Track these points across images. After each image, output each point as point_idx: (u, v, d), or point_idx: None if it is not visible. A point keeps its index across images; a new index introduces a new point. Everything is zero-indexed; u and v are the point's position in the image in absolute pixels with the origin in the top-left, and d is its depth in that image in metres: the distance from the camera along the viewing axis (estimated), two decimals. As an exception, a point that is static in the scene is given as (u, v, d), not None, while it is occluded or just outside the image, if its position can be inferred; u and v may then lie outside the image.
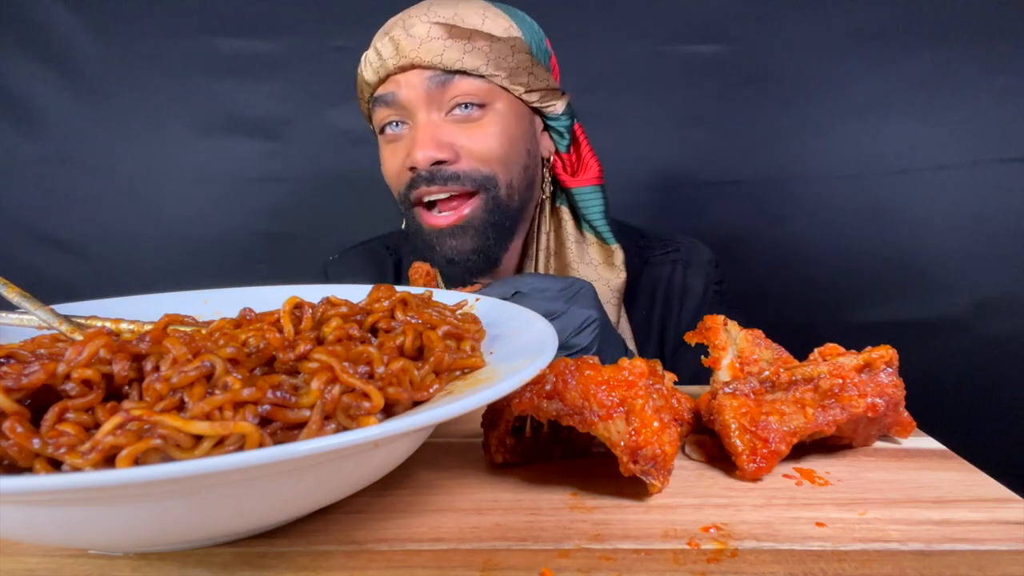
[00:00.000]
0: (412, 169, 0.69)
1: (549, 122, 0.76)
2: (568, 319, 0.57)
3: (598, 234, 0.78)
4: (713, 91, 1.21)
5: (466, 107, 0.69)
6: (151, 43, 1.21)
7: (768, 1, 1.18)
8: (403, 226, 0.82)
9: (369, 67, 0.71)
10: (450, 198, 0.70)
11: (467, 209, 0.70)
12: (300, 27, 1.21)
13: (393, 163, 0.73)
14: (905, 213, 1.19)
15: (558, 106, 0.75)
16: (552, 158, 0.79)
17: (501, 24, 0.70)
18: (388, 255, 0.88)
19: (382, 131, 0.74)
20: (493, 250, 0.72)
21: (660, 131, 1.23)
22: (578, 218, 0.79)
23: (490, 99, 0.70)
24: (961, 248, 1.18)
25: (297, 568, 0.27)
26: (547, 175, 0.79)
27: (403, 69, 0.69)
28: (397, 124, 0.72)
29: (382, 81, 0.71)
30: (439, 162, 0.68)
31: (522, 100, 0.72)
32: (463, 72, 0.68)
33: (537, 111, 0.75)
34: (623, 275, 0.76)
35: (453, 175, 0.69)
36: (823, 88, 1.19)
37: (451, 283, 0.80)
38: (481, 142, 0.69)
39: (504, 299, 0.52)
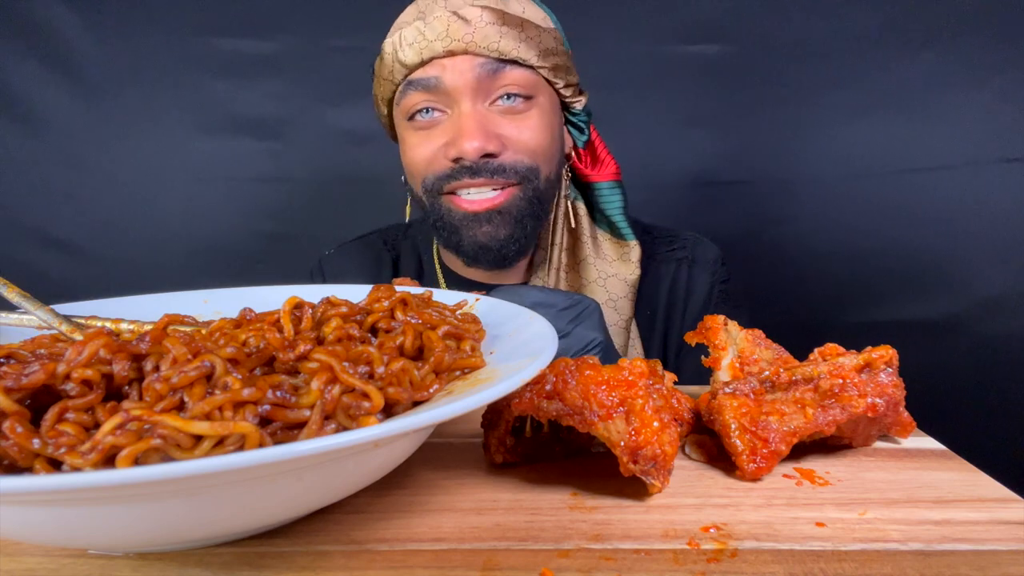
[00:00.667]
0: (456, 160, 0.67)
1: (571, 117, 0.76)
2: (571, 341, 0.56)
3: (616, 230, 0.77)
4: (714, 91, 1.21)
5: (511, 98, 0.67)
6: (151, 43, 1.21)
7: (768, 1, 1.18)
8: (407, 218, 0.81)
9: (409, 47, 0.66)
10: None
11: (507, 197, 0.68)
12: (300, 27, 1.21)
13: (424, 151, 0.69)
14: (905, 213, 1.19)
15: (582, 101, 0.75)
16: (571, 154, 0.78)
17: (538, 14, 0.69)
18: (386, 250, 0.86)
19: (411, 117, 0.70)
20: (527, 240, 0.71)
21: (660, 131, 1.23)
22: (593, 213, 0.79)
23: (536, 91, 0.68)
24: (961, 248, 1.18)
25: (297, 568, 0.27)
26: (567, 172, 0.78)
27: (452, 53, 0.65)
28: (429, 111, 0.68)
29: (423, 64, 0.66)
30: (487, 155, 0.66)
31: (559, 93, 0.72)
32: (514, 62, 0.66)
33: (563, 106, 0.74)
34: (638, 271, 0.75)
35: (499, 168, 0.67)
36: (823, 88, 1.19)
37: (460, 281, 0.80)
38: (528, 134, 0.68)
39: None
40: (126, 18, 1.20)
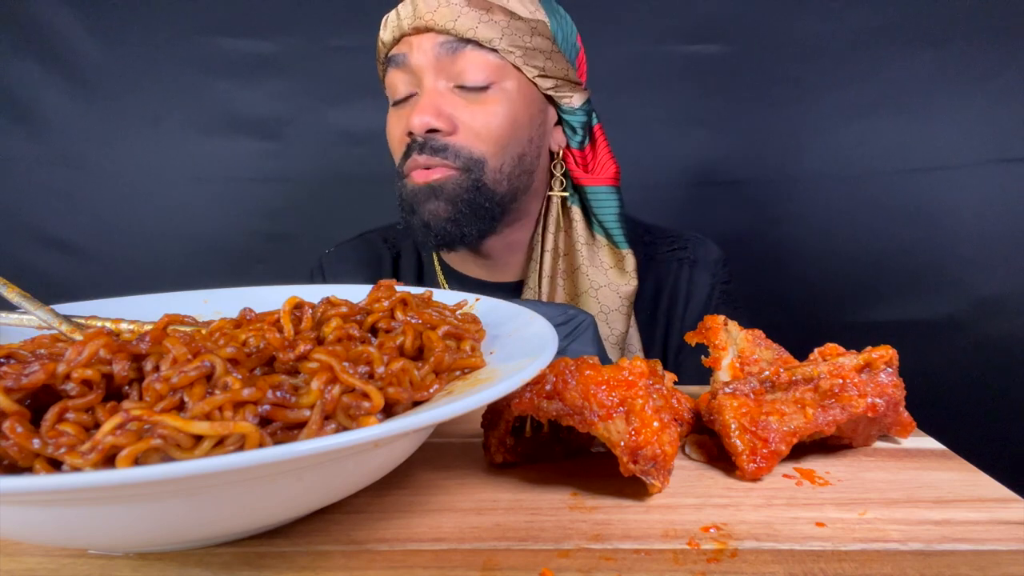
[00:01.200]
0: (409, 134, 0.69)
1: (564, 115, 0.74)
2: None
3: (610, 237, 0.76)
4: (714, 91, 1.21)
5: (468, 85, 0.68)
6: (151, 43, 1.21)
7: (768, 1, 1.18)
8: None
9: (387, 26, 0.70)
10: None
11: (444, 176, 0.68)
12: (300, 27, 1.21)
13: (395, 130, 0.72)
14: (905, 213, 1.19)
15: (575, 99, 0.73)
16: (562, 152, 0.76)
17: (527, 7, 0.69)
18: (386, 248, 0.86)
19: (395, 102, 0.72)
20: (467, 226, 0.69)
21: (660, 131, 1.23)
22: (590, 219, 0.77)
23: (499, 76, 0.68)
24: (961, 248, 1.18)
25: (297, 568, 0.27)
26: (558, 170, 0.77)
27: (417, 31, 0.67)
28: (407, 98, 0.71)
29: (396, 42, 0.70)
30: (434, 130, 0.67)
31: (535, 84, 0.71)
32: (475, 43, 0.66)
33: (551, 101, 0.73)
34: (634, 282, 0.73)
35: (443, 147, 0.67)
36: (823, 88, 1.19)
37: (458, 279, 0.79)
38: (482, 119, 0.68)
39: None
40: (126, 18, 1.20)
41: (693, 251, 0.81)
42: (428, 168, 0.68)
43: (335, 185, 1.25)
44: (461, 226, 0.69)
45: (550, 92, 0.72)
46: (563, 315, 0.57)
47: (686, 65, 1.21)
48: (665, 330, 0.79)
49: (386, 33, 0.70)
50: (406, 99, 0.71)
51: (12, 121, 1.20)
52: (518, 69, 0.69)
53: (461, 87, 0.68)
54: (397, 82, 0.71)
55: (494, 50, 0.67)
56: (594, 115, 0.76)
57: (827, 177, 1.21)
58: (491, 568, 0.27)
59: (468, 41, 0.66)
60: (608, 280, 0.74)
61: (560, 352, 0.54)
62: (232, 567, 0.27)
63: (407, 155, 0.69)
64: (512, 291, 0.78)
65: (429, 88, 0.68)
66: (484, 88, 0.68)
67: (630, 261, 0.74)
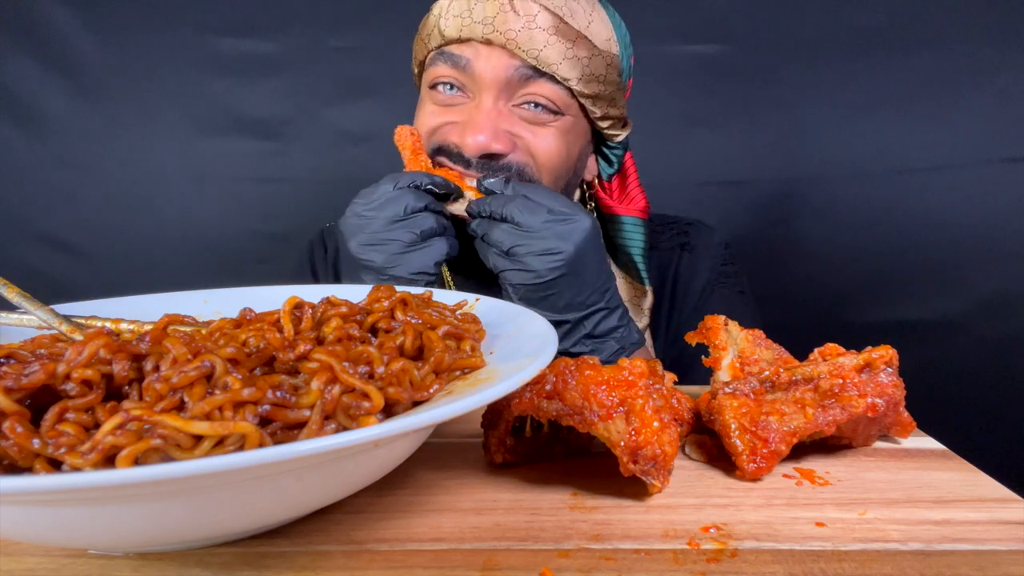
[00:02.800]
0: (455, 146, 0.65)
1: (605, 148, 0.73)
2: (534, 239, 0.57)
3: (635, 270, 0.74)
4: (714, 91, 1.21)
5: (537, 107, 0.64)
6: (151, 43, 1.21)
7: (769, 1, 1.18)
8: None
9: (453, 19, 0.63)
10: None
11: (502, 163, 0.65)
12: (300, 27, 1.21)
13: (433, 121, 0.67)
14: (905, 213, 1.19)
15: (621, 135, 0.72)
16: (594, 181, 0.75)
17: (604, 34, 0.65)
18: None
19: (433, 86, 0.67)
20: None
21: (660, 131, 1.23)
22: (611, 249, 0.75)
23: (565, 110, 0.65)
24: (961, 248, 1.18)
25: (297, 568, 0.27)
26: (588, 199, 0.76)
27: (490, 43, 0.62)
28: (453, 87, 0.66)
29: (460, 41, 0.64)
30: (488, 155, 0.64)
31: (593, 123, 0.69)
32: (552, 75, 0.63)
33: (598, 133, 0.71)
34: (645, 320, 0.73)
35: (505, 166, 0.64)
36: (823, 88, 1.19)
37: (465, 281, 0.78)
38: (541, 144, 0.65)
39: (499, 192, 0.59)
40: (126, 18, 1.20)
41: (694, 237, 0.81)
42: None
43: (335, 185, 1.25)
44: None
45: (604, 131, 0.70)
46: (564, 210, 0.58)
47: (686, 65, 1.21)
48: (668, 315, 0.79)
49: (448, 24, 0.64)
50: (449, 87, 0.66)
51: (12, 121, 1.20)
52: (583, 107, 0.67)
53: (522, 111, 0.65)
54: (442, 73, 0.66)
55: (569, 88, 0.64)
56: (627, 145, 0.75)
57: (827, 177, 1.21)
58: (491, 568, 0.27)
59: (545, 73, 0.63)
60: None
61: (532, 233, 0.57)
62: (232, 567, 0.27)
63: (447, 155, 0.66)
64: None
65: (489, 108, 0.63)
66: (548, 115, 0.65)
67: (648, 300, 0.73)
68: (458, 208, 0.63)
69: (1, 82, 1.19)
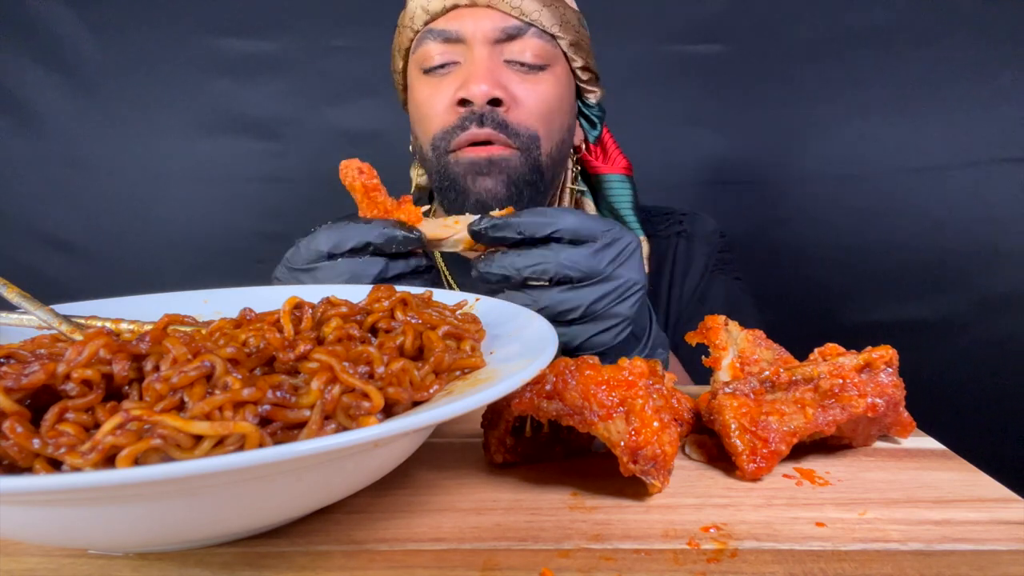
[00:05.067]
0: (462, 104, 0.66)
1: (585, 110, 0.76)
2: (612, 286, 0.48)
3: (626, 225, 0.75)
4: (715, 91, 1.21)
5: (523, 65, 0.67)
6: (151, 43, 1.21)
7: (769, 1, 1.18)
8: (411, 187, 0.79)
9: None
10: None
11: (505, 153, 0.66)
12: (300, 27, 1.21)
13: (437, 101, 0.68)
14: (905, 213, 1.19)
15: (597, 93, 0.75)
16: (580, 147, 0.78)
17: None
18: None
19: (427, 71, 0.69)
20: (524, 206, 0.69)
21: (661, 131, 1.23)
22: (601, 210, 0.78)
23: (552, 61, 0.68)
24: (962, 248, 1.18)
25: (297, 568, 0.27)
26: (574, 164, 0.78)
27: (475, 4, 0.66)
28: (445, 66, 0.68)
29: (444, 12, 0.67)
30: (493, 102, 0.65)
31: (575, 75, 0.72)
32: (535, 27, 0.66)
33: (578, 94, 0.75)
34: (646, 268, 0.73)
35: (503, 123, 0.66)
36: (823, 88, 1.19)
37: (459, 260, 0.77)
38: (535, 98, 0.67)
39: (535, 237, 0.47)
40: (126, 18, 1.20)
41: (689, 225, 0.83)
42: (488, 143, 0.66)
43: (335, 185, 1.24)
44: (519, 207, 0.66)
45: (583, 84, 0.73)
46: (609, 233, 0.49)
47: (686, 65, 1.21)
48: (666, 304, 0.80)
49: (430, 1, 0.67)
50: (441, 66, 0.68)
51: (12, 121, 1.20)
52: (566, 57, 0.70)
53: (513, 67, 0.67)
54: (433, 52, 0.68)
55: (552, 36, 0.68)
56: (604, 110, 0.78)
57: (827, 177, 1.21)
58: (491, 568, 0.27)
59: (530, 25, 0.66)
60: None
61: (605, 278, 0.47)
62: (232, 567, 0.27)
63: (460, 127, 0.66)
64: None
65: (484, 57, 0.66)
66: (538, 68, 0.68)
67: (644, 248, 0.75)
68: (453, 246, 0.52)
69: (1, 82, 1.19)
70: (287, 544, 0.29)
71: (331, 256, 0.50)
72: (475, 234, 0.50)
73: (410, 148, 0.77)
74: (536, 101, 0.67)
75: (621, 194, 0.77)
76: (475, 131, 0.65)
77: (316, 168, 1.26)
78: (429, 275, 0.53)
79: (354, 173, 0.56)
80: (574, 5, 0.72)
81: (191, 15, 1.20)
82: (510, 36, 0.66)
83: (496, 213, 0.50)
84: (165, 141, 1.24)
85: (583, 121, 0.77)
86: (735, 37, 1.20)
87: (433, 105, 0.68)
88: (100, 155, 1.23)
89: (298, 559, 0.28)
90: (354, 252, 0.50)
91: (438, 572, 0.26)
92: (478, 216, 0.50)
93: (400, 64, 0.75)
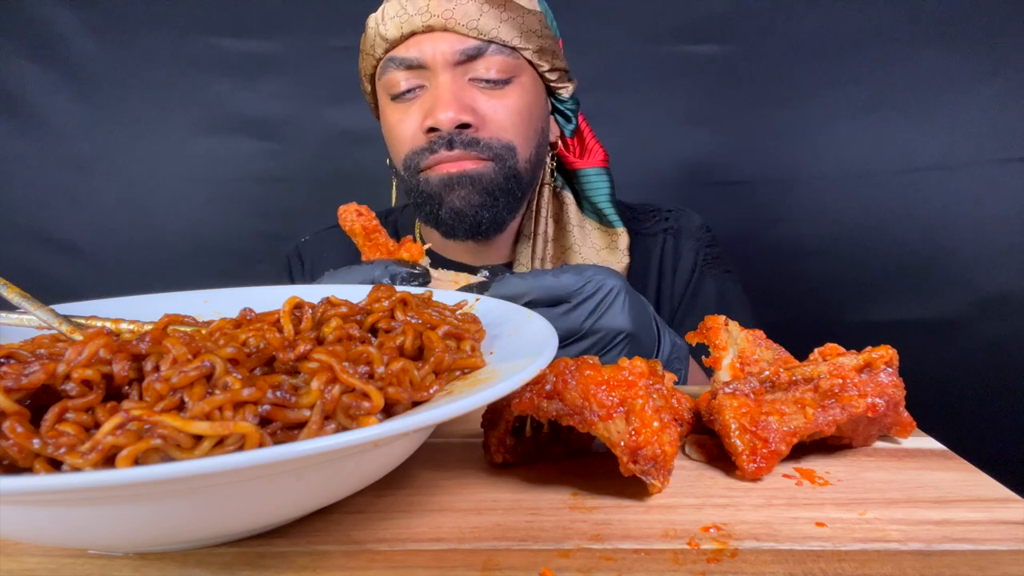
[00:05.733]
0: (431, 131, 0.67)
1: (559, 105, 0.76)
2: (592, 341, 0.50)
3: (603, 217, 0.77)
4: (713, 91, 1.21)
5: (488, 81, 0.67)
6: (151, 43, 1.21)
7: (768, 1, 1.18)
8: (393, 202, 0.80)
9: (390, 21, 0.66)
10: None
11: (479, 167, 0.67)
12: (300, 27, 1.21)
13: (406, 126, 0.69)
14: (905, 213, 1.19)
15: (569, 88, 0.75)
16: (557, 142, 0.78)
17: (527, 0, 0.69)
18: None
19: (394, 97, 0.70)
20: (501, 213, 0.70)
21: (660, 131, 1.23)
22: (580, 203, 0.79)
23: (516, 72, 0.69)
24: (961, 248, 1.18)
25: (297, 568, 0.27)
26: (551, 159, 0.78)
27: (431, 29, 0.65)
28: (412, 91, 0.69)
29: (403, 39, 0.67)
30: (461, 126, 0.66)
31: (543, 77, 0.72)
32: (495, 43, 0.66)
33: (549, 92, 0.75)
34: (626, 259, 0.75)
35: (474, 140, 0.66)
36: (823, 88, 1.19)
37: (443, 263, 0.78)
38: (504, 112, 0.68)
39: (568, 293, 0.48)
40: (126, 18, 1.20)
41: (675, 221, 0.83)
42: (462, 159, 0.67)
43: (335, 185, 1.25)
44: (492, 211, 0.69)
45: (553, 85, 0.73)
46: (585, 287, 0.49)
47: (686, 65, 1.21)
48: (656, 301, 0.80)
49: (388, 28, 0.67)
50: (407, 92, 0.69)
51: (13, 121, 1.20)
52: (531, 64, 0.70)
53: (478, 84, 0.67)
54: (398, 79, 0.69)
55: (514, 48, 0.67)
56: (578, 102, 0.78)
57: (827, 177, 1.21)
58: (491, 568, 0.27)
59: (490, 42, 0.66)
60: (601, 260, 0.75)
61: (584, 335, 0.48)
62: (232, 567, 0.27)
63: (429, 151, 0.67)
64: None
65: (448, 82, 0.66)
66: (504, 83, 0.68)
67: (623, 239, 0.76)
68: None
69: (1, 82, 1.19)
70: (287, 544, 0.29)
71: None
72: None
73: (387, 162, 0.78)
74: (506, 114, 0.68)
75: (599, 187, 0.77)
76: (445, 153, 0.67)
77: (316, 168, 1.26)
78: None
79: (352, 216, 0.58)
80: (535, 5, 0.70)
81: (191, 15, 1.20)
82: (471, 57, 0.66)
83: (463, 281, 0.51)
84: (165, 141, 1.24)
85: (557, 116, 0.77)
86: (734, 37, 1.20)
87: (403, 131, 0.70)
88: (100, 155, 1.23)
89: (298, 559, 0.28)
90: None
91: (438, 572, 0.26)
92: (477, 283, 0.52)
93: (368, 87, 0.75)
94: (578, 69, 0.78)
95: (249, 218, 1.26)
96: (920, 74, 1.16)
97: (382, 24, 0.67)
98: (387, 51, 0.69)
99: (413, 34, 0.66)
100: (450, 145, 0.66)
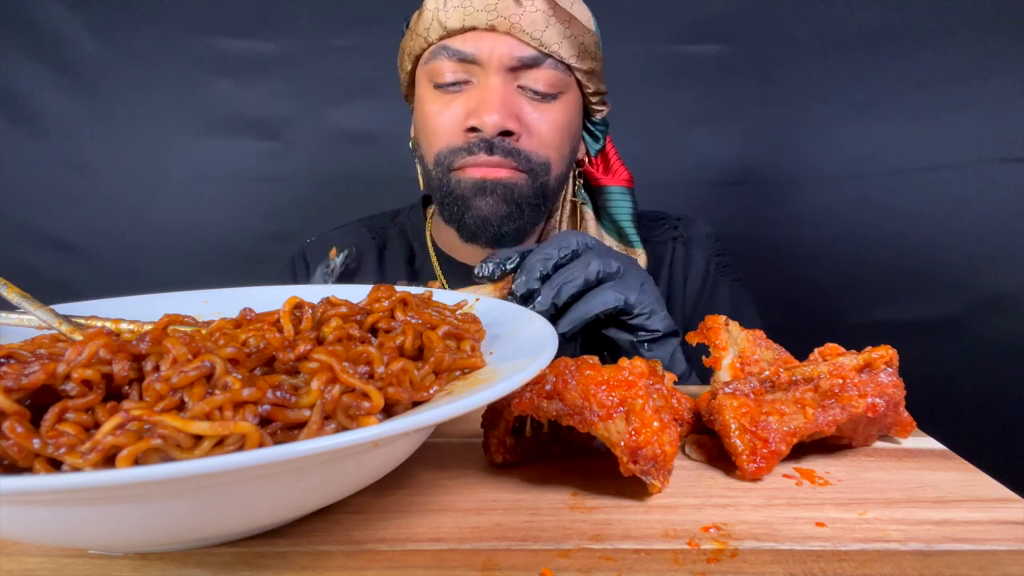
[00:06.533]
0: (472, 131, 0.66)
1: (591, 125, 0.76)
2: (626, 281, 0.54)
3: (624, 237, 0.77)
4: (714, 91, 1.21)
5: (538, 93, 0.67)
6: (151, 43, 1.21)
7: (768, 1, 1.18)
8: (421, 186, 0.79)
9: (453, 9, 0.64)
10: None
11: (513, 177, 0.67)
12: (300, 27, 1.21)
13: (445, 118, 0.68)
14: (905, 213, 1.19)
15: (604, 111, 0.75)
16: (583, 159, 0.79)
17: (585, 14, 0.69)
18: (370, 236, 0.85)
19: (438, 85, 0.68)
20: (525, 225, 0.70)
21: (660, 131, 1.23)
22: (600, 219, 0.79)
23: (565, 88, 0.68)
24: (961, 248, 1.18)
25: (297, 568, 0.27)
26: (578, 176, 0.79)
27: (495, 29, 0.64)
28: (457, 84, 0.67)
29: (463, 31, 0.65)
30: (504, 132, 0.65)
31: (585, 97, 0.72)
32: (553, 56, 0.65)
33: (585, 112, 0.75)
34: None
35: (515, 150, 0.66)
36: (823, 88, 1.19)
37: (450, 264, 0.78)
38: (547, 127, 0.67)
39: (563, 251, 0.53)
40: (126, 18, 1.20)
41: (684, 230, 0.83)
42: (498, 167, 0.67)
43: (335, 185, 1.25)
44: (517, 223, 0.69)
45: (592, 105, 0.73)
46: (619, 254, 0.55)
47: (686, 65, 1.21)
48: (667, 307, 0.80)
49: (450, 16, 0.64)
50: (452, 84, 0.68)
51: (13, 121, 1.20)
52: (579, 84, 0.70)
53: (527, 93, 0.67)
54: (445, 69, 0.67)
55: (568, 66, 0.67)
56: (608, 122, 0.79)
57: (827, 177, 1.21)
58: (491, 568, 0.27)
59: (548, 56, 0.65)
60: None
61: (623, 275, 0.53)
62: (232, 567, 0.27)
63: (467, 151, 0.67)
64: None
65: (498, 85, 0.65)
66: (552, 97, 0.68)
67: (642, 260, 0.75)
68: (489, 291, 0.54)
69: (1, 82, 1.19)
70: (287, 544, 0.29)
71: None
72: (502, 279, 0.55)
73: (410, 144, 0.77)
74: (548, 129, 0.68)
75: (622, 206, 0.77)
76: (484, 157, 0.66)
77: (316, 168, 1.26)
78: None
79: None
80: (592, 26, 0.70)
81: (191, 15, 1.20)
82: (526, 65, 0.65)
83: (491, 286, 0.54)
84: (165, 141, 1.24)
85: (586, 136, 0.77)
86: (735, 37, 1.20)
87: (441, 123, 0.68)
88: (100, 155, 1.23)
89: (298, 559, 0.28)
90: None
91: (438, 572, 0.26)
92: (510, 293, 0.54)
93: (408, 66, 0.73)
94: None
95: (249, 218, 1.26)
96: (920, 74, 1.16)
97: (443, 10, 0.65)
98: (441, 38, 0.66)
99: (475, 28, 0.65)
100: (491, 150, 0.65)
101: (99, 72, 1.20)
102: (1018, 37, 1.13)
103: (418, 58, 0.71)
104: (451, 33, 0.66)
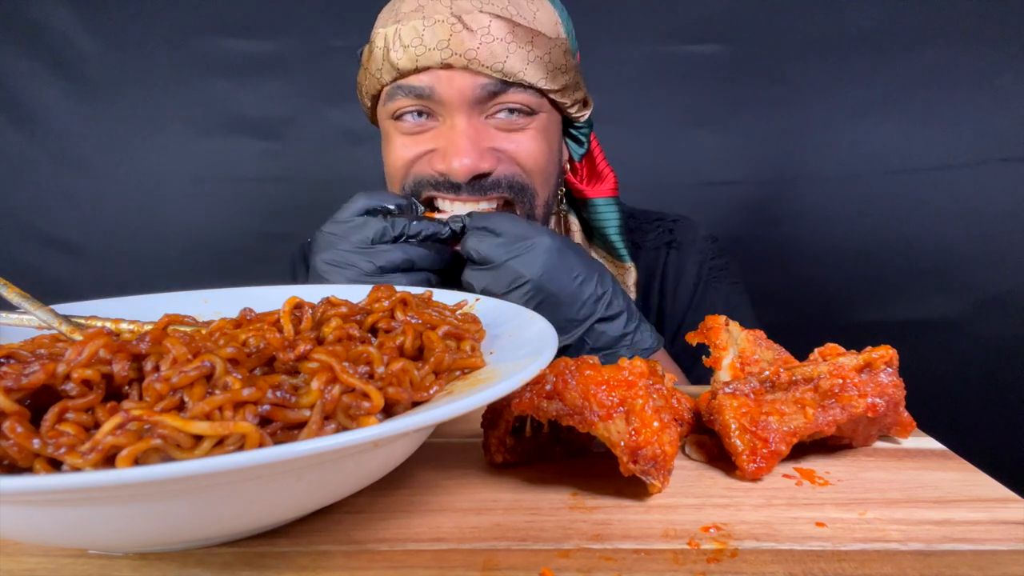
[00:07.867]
0: (442, 174, 0.62)
1: (573, 130, 0.72)
2: (499, 274, 0.54)
3: (613, 250, 0.74)
4: (714, 91, 1.21)
5: (512, 112, 0.63)
6: (151, 43, 1.21)
7: (768, 1, 1.18)
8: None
9: (404, 50, 0.59)
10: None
11: (494, 204, 0.64)
12: (300, 27, 1.21)
13: (408, 153, 0.64)
14: (905, 213, 1.19)
15: (586, 114, 0.70)
16: (566, 167, 0.75)
17: (550, 19, 0.64)
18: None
19: (399, 117, 0.64)
20: None
21: (661, 131, 1.23)
22: (587, 231, 0.76)
23: (538, 108, 0.64)
24: (961, 248, 1.18)
25: (297, 568, 0.27)
26: (559, 187, 0.75)
27: (451, 67, 0.59)
28: (419, 114, 0.63)
29: (418, 70, 0.60)
30: (478, 175, 0.62)
31: (564, 112, 0.68)
32: (520, 84, 0.61)
33: (566, 119, 0.71)
34: (634, 294, 0.72)
35: (494, 183, 0.63)
36: (823, 88, 1.19)
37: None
38: (525, 150, 0.64)
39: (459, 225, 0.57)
40: (126, 18, 1.20)
41: (679, 234, 0.80)
42: (470, 201, 0.64)
43: (335, 185, 1.24)
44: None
45: (571, 114, 0.69)
46: (521, 230, 0.57)
47: (686, 65, 1.21)
48: (659, 315, 0.78)
49: (400, 57, 0.60)
50: (417, 120, 0.64)
51: (13, 121, 1.20)
52: (552, 101, 0.66)
53: (497, 120, 0.63)
54: (405, 107, 0.63)
55: (539, 89, 0.63)
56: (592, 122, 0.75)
57: (827, 177, 1.21)
58: (491, 568, 0.27)
59: (514, 83, 0.61)
60: None
61: (496, 266, 0.55)
62: (232, 567, 0.27)
63: (434, 186, 0.64)
64: None
65: (464, 127, 0.61)
66: (523, 121, 0.64)
67: (631, 275, 0.73)
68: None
69: (1, 82, 1.19)
70: (287, 544, 0.29)
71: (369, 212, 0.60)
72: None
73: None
74: (526, 155, 0.64)
75: (608, 218, 0.73)
76: (452, 196, 0.63)
77: (316, 168, 1.26)
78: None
79: None
80: (560, 28, 0.65)
81: (191, 15, 1.20)
82: (492, 93, 0.61)
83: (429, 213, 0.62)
84: (165, 141, 1.24)
85: (568, 140, 0.73)
86: (735, 37, 1.20)
87: (404, 157, 0.65)
88: (100, 155, 1.23)
89: (298, 559, 0.28)
90: (375, 218, 0.59)
91: (438, 572, 0.26)
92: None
93: (368, 103, 0.69)
94: (581, 71, 0.77)
95: (249, 218, 1.26)
96: (920, 74, 1.16)
97: (394, 50, 0.60)
98: (395, 79, 0.62)
99: (429, 68, 0.60)
100: (458, 191, 0.63)
101: (99, 72, 1.20)
102: (1018, 37, 1.13)
103: (376, 97, 0.67)
104: (404, 74, 0.61)
